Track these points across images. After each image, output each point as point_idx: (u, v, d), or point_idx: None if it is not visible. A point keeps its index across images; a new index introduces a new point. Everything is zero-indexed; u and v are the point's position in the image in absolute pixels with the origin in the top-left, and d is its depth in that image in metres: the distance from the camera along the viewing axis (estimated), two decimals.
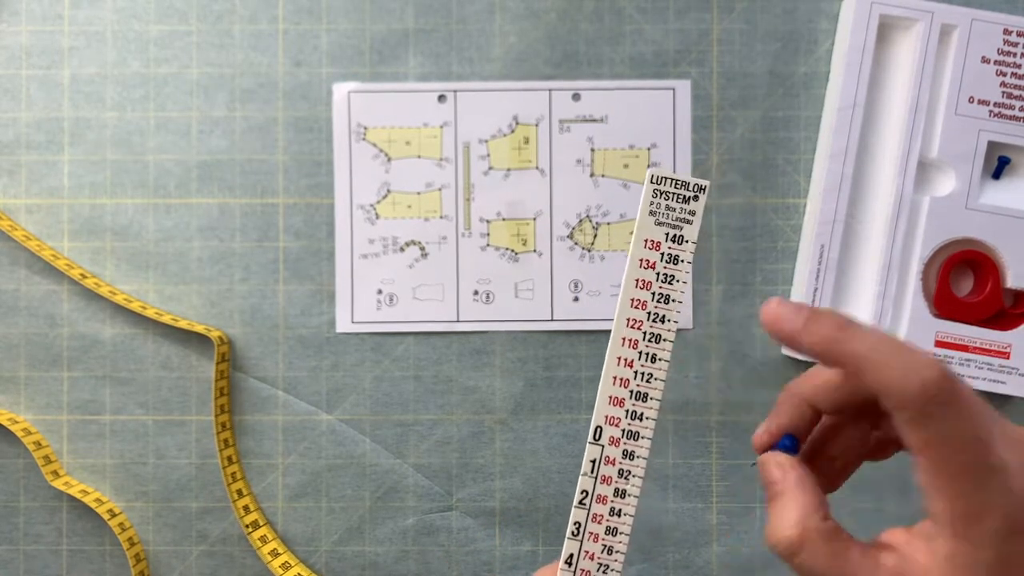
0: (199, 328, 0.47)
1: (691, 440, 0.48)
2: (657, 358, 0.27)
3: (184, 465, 0.48)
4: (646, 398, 0.27)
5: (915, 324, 0.46)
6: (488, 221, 0.49)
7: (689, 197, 0.26)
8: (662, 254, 0.26)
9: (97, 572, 0.48)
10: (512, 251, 0.49)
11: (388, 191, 0.49)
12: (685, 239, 0.26)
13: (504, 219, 0.49)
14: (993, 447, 0.22)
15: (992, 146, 0.46)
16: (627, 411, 0.27)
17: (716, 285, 0.49)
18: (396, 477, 0.49)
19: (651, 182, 0.26)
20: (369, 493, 0.49)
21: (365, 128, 0.49)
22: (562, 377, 0.48)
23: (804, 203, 0.49)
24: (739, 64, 0.48)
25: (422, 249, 0.49)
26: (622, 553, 0.27)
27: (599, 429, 0.27)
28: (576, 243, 0.49)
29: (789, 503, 0.25)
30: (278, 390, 0.49)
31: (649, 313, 0.27)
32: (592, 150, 0.49)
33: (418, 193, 0.49)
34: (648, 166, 0.27)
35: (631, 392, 0.27)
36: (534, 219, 0.49)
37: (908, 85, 0.46)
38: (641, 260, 0.26)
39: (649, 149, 0.49)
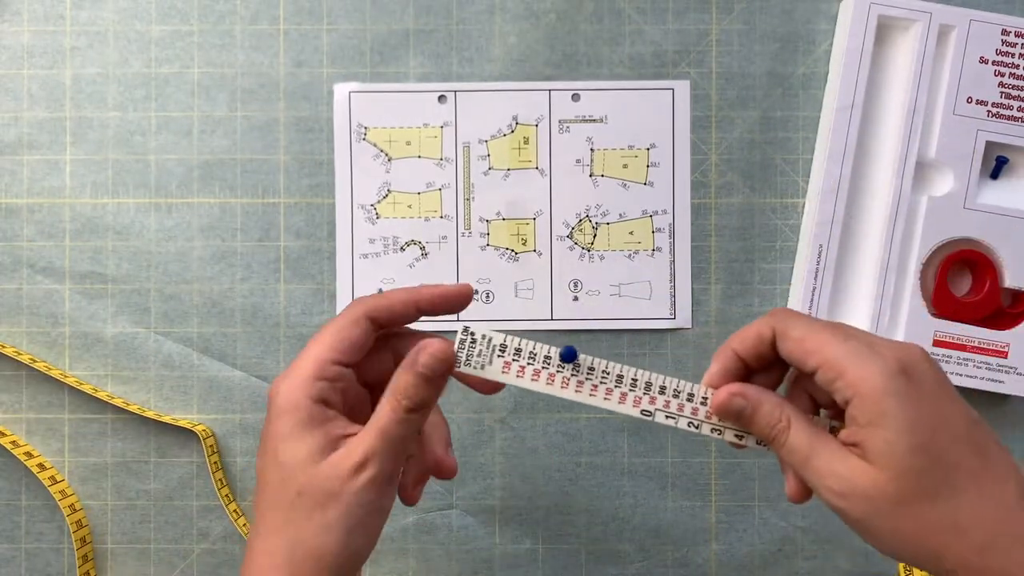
0: (183, 423, 0.47)
1: (690, 439, 0.49)
2: None
3: (185, 463, 0.49)
4: None
5: (913, 323, 0.46)
6: (488, 221, 0.49)
7: None
8: None
9: (99, 570, 0.49)
10: (512, 251, 0.49)
11: (388, 191, 0.49)
12: None
13: (504, 219, 0.49)
14: (839, 325, 0.31)
15: (990, 146, 0.47)
16: None
17: (715, 284, 0.49)
18: None
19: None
20: None
21: (366, 128, 0.49)
22: None
23: (802, 203, 0.49)
24: (738, 65, 0.49)
25: (422, 249, 0.49)
26: None
27: None
28: (576, 243, 0.49)
29: (767, 406, 0.31)
30: None
31: None
32: (592, 150, 0.49)
33: (418, 193, 0.49)
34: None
35: None
36: (534, 219, 0.49)
37: (906, 85, 0.46)
38: None
39: (648, 149, 0.49)
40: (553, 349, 0.33)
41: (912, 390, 0.28)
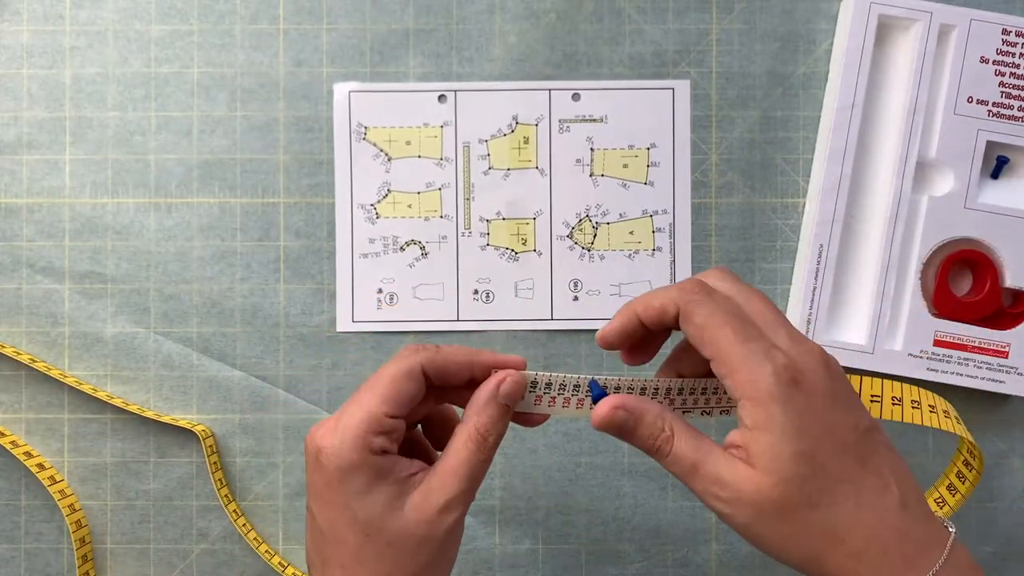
0: (183, 423, 0.47)
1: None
2: None
3: (184, 464, 0.49)
4: None
5: (914, 323, 0.46)
6: (488, 221, 0.49)
7: None
8: None
9: (99, 570, 0.49)
10: (512, 251, 0.49)
11: (388, 191, 0.49)
12: None
13: (504, 219, 0.49)
14: (745, 319, 0.30)
15: (991, 146, 0.47)
16: None
17: None
18: None
19: None
20: None
21: (366, 128, 0.49)
22: None
23: (803, 203, 0.49)
24: (738, 64, 0.49)
25: (422, 248, 0.49)
26: None
27: None
28: (576, 242, 0.49)
29: (649, 416, 0.31)
30: (279, 389, 0.49)
31: None
32: (592, 150, 0.49)
33: (418, 193, 0.49)
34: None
35: None
36: (534, 219, 0.49)
37: (907, 85, 0.46)
38: None
39: (648, 149, 0.49)
40: (581, 378, 0.33)
41: (800, 397, 0.29)
